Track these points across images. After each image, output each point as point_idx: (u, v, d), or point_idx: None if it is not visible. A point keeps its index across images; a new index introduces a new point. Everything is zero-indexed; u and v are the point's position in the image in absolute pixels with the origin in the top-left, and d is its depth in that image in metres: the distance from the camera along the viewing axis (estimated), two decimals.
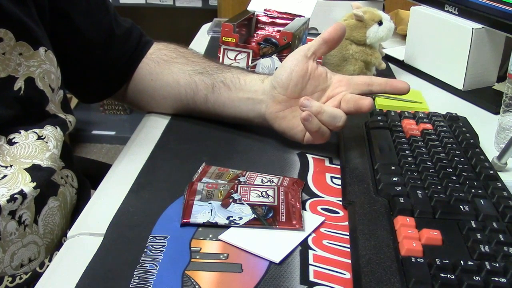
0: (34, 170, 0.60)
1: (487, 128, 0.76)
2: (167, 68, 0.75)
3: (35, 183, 0.59)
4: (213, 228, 0.53)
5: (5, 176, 0.58)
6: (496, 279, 0.42)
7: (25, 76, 0.61)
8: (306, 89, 0.65)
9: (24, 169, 0.59)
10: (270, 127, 0.68)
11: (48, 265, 0.62)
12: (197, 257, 0.49)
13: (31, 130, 0.62)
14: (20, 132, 0.61)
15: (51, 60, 0.64)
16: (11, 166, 0.59)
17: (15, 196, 0.57)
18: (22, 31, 0.61)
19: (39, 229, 0.62)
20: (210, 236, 0.51)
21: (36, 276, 0.60)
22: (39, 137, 0.62)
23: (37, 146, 0.61)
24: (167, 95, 0.75)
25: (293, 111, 0.66)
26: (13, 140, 0.60)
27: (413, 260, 0.44)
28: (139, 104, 0.80)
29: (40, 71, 0.62)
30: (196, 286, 0.45)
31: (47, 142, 0.62)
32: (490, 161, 0.63)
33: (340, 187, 0.61)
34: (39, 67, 0.62)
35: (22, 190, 0.58)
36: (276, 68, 0.78)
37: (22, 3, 0.61)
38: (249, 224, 0.53)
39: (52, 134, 0.64)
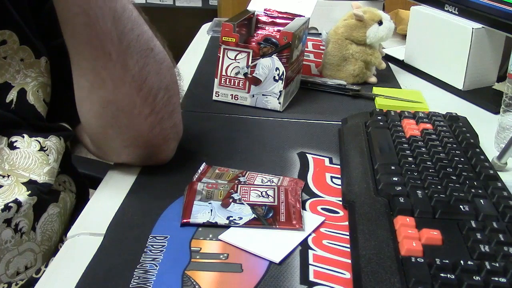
0: (30, 184, 0.59)
1: (487, 128, 0.76)
2: None
3: (30, 191, 0.58)
4: (213, 228, 0.53)
5: (0, 186, 0.57)
6: (496, 279, 0.42)
7: (20, 86, 0.60)
8: None
9: (21, 182, 0.58)
10: None
11: (45, 271, 0.62)
12: (197, 257, 0.49)
13: (35, 138, 0.61)
14: (23, 136, 0.60)
15: (50, 73, 0.63)
16: (8, 176, 0.58)
17: (9, 205, 0.56)
18: (26, 36, 0.60)
19: (37, 237, 0.60)
20: (210, 236, 0.51)
21: (33, 281, 0.59)
22: (41, 148, 0.61)
23: (37, 158, 0.60)
24: None
25: None
26: (14, 144, 0.59)
27: (413, 260, 0.44)
28: None
29: (35, 84, 0.62)
30: (196, 286, 0.45)
31: (48, 155, 0.61)
32: (490, 161, 0.63)
33: (340, 187, 0.61)
34: (36, 79, 0.62)
35: (16, 199, 0.57)
36: (276, 68, 0.78)
37: (27, 19, 0.61)
38: (249, 224, 0.53)
39: (55, 146, 0.62)
